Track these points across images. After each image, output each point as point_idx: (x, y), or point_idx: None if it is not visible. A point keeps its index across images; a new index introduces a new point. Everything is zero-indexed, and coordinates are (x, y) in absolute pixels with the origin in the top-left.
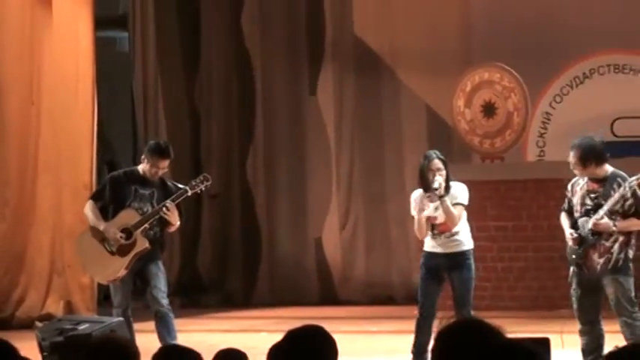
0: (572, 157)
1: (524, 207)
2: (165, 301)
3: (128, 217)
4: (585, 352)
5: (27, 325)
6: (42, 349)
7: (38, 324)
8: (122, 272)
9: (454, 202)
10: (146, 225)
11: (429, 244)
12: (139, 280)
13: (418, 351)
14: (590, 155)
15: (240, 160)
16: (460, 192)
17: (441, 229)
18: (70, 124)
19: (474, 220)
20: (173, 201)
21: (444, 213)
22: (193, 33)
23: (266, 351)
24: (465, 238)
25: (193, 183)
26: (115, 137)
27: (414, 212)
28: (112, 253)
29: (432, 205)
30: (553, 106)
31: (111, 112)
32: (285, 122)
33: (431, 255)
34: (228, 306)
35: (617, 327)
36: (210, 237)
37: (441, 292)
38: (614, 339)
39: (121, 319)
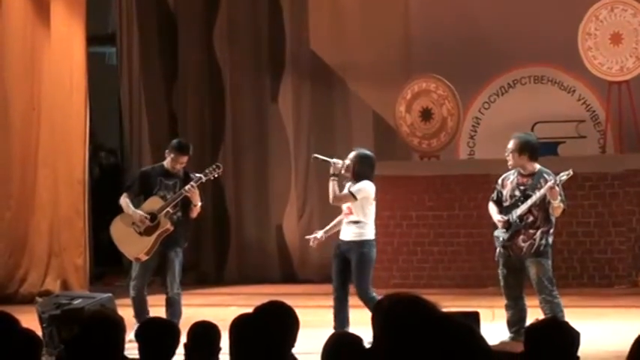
0: (511, 144)
1: (457, 199)
2: (174, 288)
3: (153, 203)
4: (510, 323)
5: (29, 301)
6: (41, 321)
7: (38, 299)
8: (144, 256)
9: (351, 189)
10: (169, 209)
11: (341, 233)
12: (161, 261)
13: (340, 325)
14: (526, 147)
15: (211, 157)
16: (358, 185)
17: (345, 213)
18: (65, 127)
19: (415, 210)
20: (192, 185)
21: (330, 189)
22: (172, 48)
23: None
24: (363, 229)
25: (207, 171)
26: (104, 138)
27: None
28: (140, 233)
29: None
30: (482, 111)
31: (101, 117)
32: (251, 124)
33: (338, 242)
34: (202, 284)
35: (537, 302)
36: None
37: (348, 272)
38: (534, 313)
39: (109, 294)
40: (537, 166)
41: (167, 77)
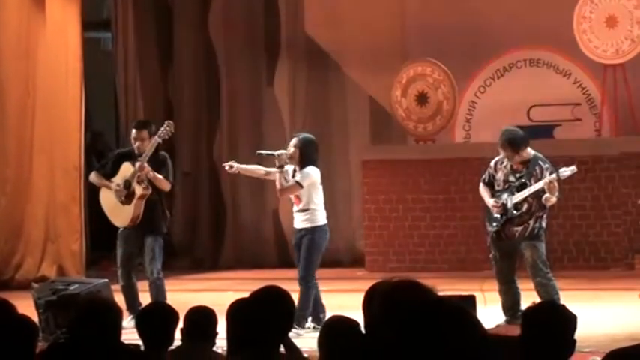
0: (502, 149)
1: (453, 182)
2: (154, 272)
3: (126, 170)
4: (505, 308)
5: (25, 286)
6: (38, 307)
7: (34, 285)
8: (131, 224)
9: (296, 179)
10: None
11: (294, 222)
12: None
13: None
14: (520, 143)
15: (207, 141)
16: (303, 173)
17: (294, 202)
18: (61, 113)
19: (411, 194)
20: (149, 154)
21: (277, 181)
22: (167, 33)
23: None
24: (312, 216)
25: (160, 132)
26: (100, 125)
27: None
28: (122, 202)
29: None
30: (477, 95)
31: (97, 103)
32: (246, 109)
33: (294, 230)
34: (197, 268)
35: (530, 285)
36: (182, 209)
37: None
38: (529, 296)
39: (105, 280)
40: (532, 153)
41: (162, 62)
